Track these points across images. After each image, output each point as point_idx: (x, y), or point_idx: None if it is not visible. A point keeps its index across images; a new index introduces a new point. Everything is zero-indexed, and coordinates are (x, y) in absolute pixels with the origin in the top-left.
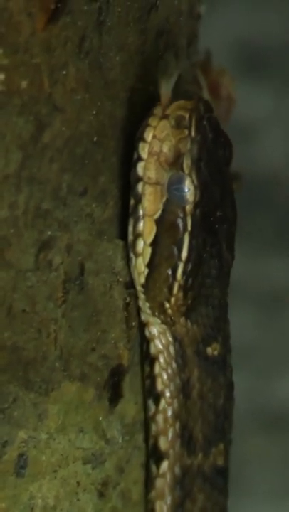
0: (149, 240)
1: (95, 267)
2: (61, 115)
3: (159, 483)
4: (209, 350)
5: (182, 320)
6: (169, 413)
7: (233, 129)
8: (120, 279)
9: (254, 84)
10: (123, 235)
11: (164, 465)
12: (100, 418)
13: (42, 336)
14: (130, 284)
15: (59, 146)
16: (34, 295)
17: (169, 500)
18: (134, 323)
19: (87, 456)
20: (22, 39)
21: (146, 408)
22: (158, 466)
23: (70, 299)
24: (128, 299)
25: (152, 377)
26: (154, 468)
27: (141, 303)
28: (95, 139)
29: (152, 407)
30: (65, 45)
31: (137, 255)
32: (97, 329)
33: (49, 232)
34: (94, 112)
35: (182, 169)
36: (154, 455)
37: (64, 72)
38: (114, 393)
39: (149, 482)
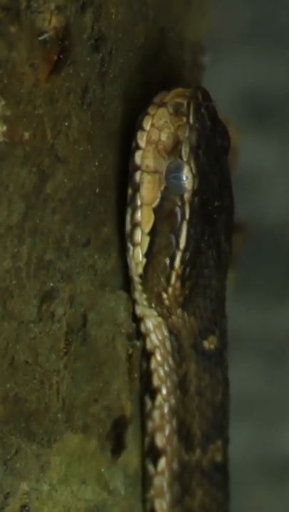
0: (147, 229)
1: (97, 318)
2: (64, 166)
3: (157, 481)
4: (206, 343)
5: (179, 311)
6: (166, 409)
7: (238, 179)
8: (123, 331)
9: (259, 134)
10: (126, 286)
11: (162, 462)
12: (103, 469)
13: (44, 387)
14: (133, 335)
15: (62, 197)
16: (37, 346)
17: (168, 497)
18: (136, 375)
19: (90, 508)
20: (25, 90)
21: (141, 404)
22: (155, 464)
23: (72, 350)
24: (131, 351)
25: (148, 373)
26: (151, 467)
27: (137, 294)
28: (97, 190)
29: (148, 403)
30: (67, 96)
31: (134, 245)
32: (99, 380)
33: (52, 283)
34: (96, 163)
35: (180, 157)
36: (151, 453)
37: (67, 123)
38: (116, 444)
39: (146, 481)
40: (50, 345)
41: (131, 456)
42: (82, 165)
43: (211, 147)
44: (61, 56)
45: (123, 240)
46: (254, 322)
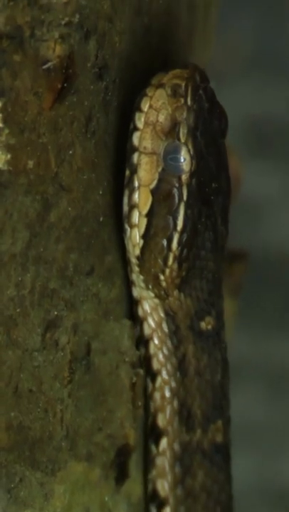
0: (145, 210)
1: (101, 347)
2: (68, 195)
3: (159, 461)
4: (203, 324)
5: (176, 293)
6: (166, 391)
7: (241, 208)
8: (127, 359)
9: (262, 163)
10: (130, 315)
11: (164, 442)
12: (106, 498)
13: (48, 416)
14: (137, 364)
15: (66, 226)
16: (40, 375)
17: (169, 477)
18: (140, 403)
19: None
20: (29, 118)
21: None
22: (157, 444)
23: (76, 378)
24: (134, 379)
25: (148, 358)
26: (153, 447)
27: (134, 276)
28: (101, 218)
29: (149, 385)
30: (71, 125)
31: (132, 226)
32: (103, 409)
33: (55, 312)
34: (100, 192)
35: (178, 138)
36: (153, 433)
37: (71, 152)
38: (120, 473)
39: (148, 462)
40: (54, 373)
41: (134, 484)
42: (86, 193)
43: (209, 129)
44: (65, 85)
45: (126, 268)
46: (256, 351)
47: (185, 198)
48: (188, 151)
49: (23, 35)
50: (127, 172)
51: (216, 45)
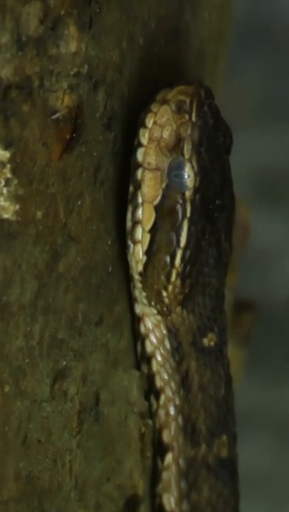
0: (148, 226)
1: (110, 397)
2: (77, 245)
3: (165, 475)
4: (205, 341)
5: (178, 309)
6: (171, 407)
7: (249, 257)
8: (135, 409)
9: (270, 212)
10: (138, 365)
11: (169, 457)
12: None
13: (57, 466)
14: (146, 414)
15: (74, 276)
16: (49, 425)
17: (175, 492)
18: (149, 454)
19: None
20: (37, 169)
21: (148, 402)
22: (163, 459)
23: (85, 429)
24: (143, 429)
25: (151, 376)
26: (159, 462)
27: (137, 292)
28: (110, 268)
29: (154, 403)
30: (80, 175)
31: (135, 243)
32: (112, 459)
33: (64, 362)
34: (109, 242)
35: (182, 154)
36: (159, 448)
37: (79, 202)
38: None
39: (155, 476)
40: (62, 424)
41: None
42: (95, 243)
43: (213, 145)
44: (74, 135)
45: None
46: (264, 400)
47: (189, 214)
48: (193, 167)
49: (31, 86)
50: (131, 188)
51: (224, 94)
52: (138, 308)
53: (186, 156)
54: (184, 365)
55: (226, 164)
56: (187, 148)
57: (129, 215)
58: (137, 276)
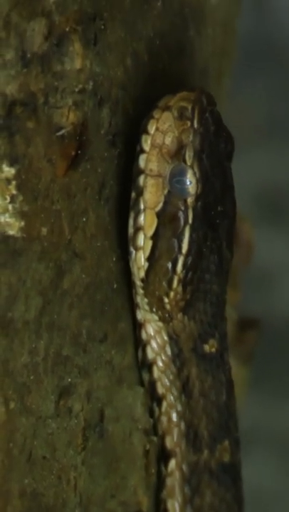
0: (150, 232)
1: (114, 414)
2: (81, 262)
3: (168, 481)
4: (206, 347)
5: (180, 316)
6: (173, 414)
7: (253, 275)
8: (140, 426)
9: (274, 230)
10: (142, 382)
11: (172, 463)
12: None
13: (62, 483)
14: (150, 431)
15: (79, 293)
16: (54, 442)
17: (179, 497)
18: (153, 470)
19: None
20: (42, 185)
21: (150, 410)
22: (166, 466)
23: (89, 445)
24: (148, 446)
25: (152, 383)
26: (162, 468)
27: (139, 299)
28: (114, 285)
29: (156, 410)
30: (85, 192)
31: (137, 249)
32: (116, 476)
33: (69, 379)
34: (114, 259)
35: (184, 161)
36: (162, 455)
37: (84, 219)
38: None
39: (159, 482)
40: (67, 440)
41: None
42: (100, 260)
43: (215, 152)
44: (79, 151)
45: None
46: (268, 418)
47: (190, 220)
48: (194, 173)
49: (36, 102)
50: (133, 194)
51: (228, 113)
52: (140, 315)
53: (188, 163)
54: (185, 372)
55: (228, 171)
56: (189, 155)
57: (131, 222)
58: (138, 283)
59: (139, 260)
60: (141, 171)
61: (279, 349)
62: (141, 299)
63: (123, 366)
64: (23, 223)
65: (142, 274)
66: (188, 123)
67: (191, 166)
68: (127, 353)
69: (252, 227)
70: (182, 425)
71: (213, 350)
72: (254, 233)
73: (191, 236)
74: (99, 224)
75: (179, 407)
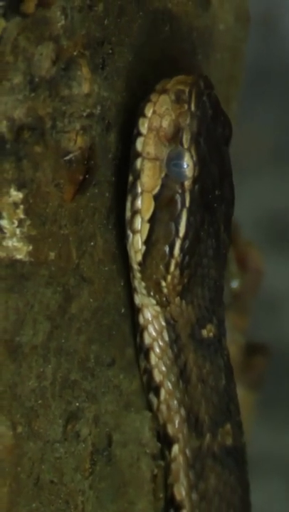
0: (147, 216)
1: (122, 439)
2: (89, 286)
3: (173, 466)
4: (204, 332)
5: (177, 300)
6: (172, 401)
7: (261, 301)
8: (148, 451)
9: (282, 256)
10: (150, 406)
11: (175, 449)
12: None
13: (70, 508)
14: (158, 456)
15: (87, 317)
16: (62, 466)
17: (184, 482)
18: (161, 495)
19: None
20: (50, 210)
21: (148, 403)
22: (170, 451)
23: (97, 470)
24: (156, 471)
25: (149, 370)
26: (166, 453)
27: (136, 282)
28: (122, 310)
29: (154, 401)
30: (93, 216)
31: (134, 232)
32: (124, 501)
33: (77, 403)
34: (122, 283)
35: (181, 144)
36: (165, 442)
37: (92, 243)
38: None
39: (165, 468)
40: (75, 465)
41: None
42: (108, 285)
43: (212, 135)
44: (86, 176)
45: None
46: (277, 444)
47: (188, 204)
48: (192, 157)
49: (44, 127)
50: (130, 178)
51: (236, 138)
52: (137, 299)
53: (185, 146)
54: (182, 357)
55: (226, 155)
56: (186, 138)
57: (128, 205)
58: (136, 267)
59: (137, 244)
60: (138, 154)
61: (287, 375)
62: (138, 283)
63: (131, 391)
64: (30, 247)
65: (139, 257)
66: (186, 106)
67: (188, 149)
68: (135, 378)
69: (260, 254)
70: (182, 411)
71: (211, 335)
72: (263, 260)
73: (188, 219)
74: (107, 248)
75: (178, 394)
